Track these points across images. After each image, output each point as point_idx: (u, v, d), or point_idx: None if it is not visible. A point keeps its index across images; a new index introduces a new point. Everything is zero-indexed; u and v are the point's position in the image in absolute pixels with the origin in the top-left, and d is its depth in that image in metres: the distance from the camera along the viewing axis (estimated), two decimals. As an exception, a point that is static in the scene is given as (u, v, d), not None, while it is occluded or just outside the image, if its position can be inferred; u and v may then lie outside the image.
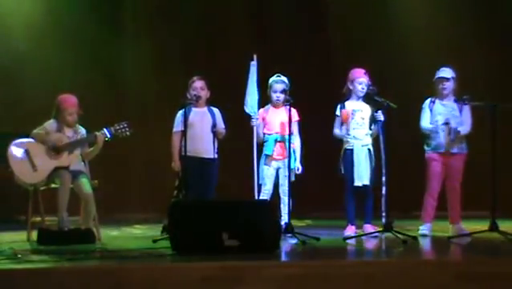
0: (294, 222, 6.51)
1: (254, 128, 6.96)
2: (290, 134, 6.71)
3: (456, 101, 6.85)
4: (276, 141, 7.00)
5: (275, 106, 7.08)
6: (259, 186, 6.97)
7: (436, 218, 7.00)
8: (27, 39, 9.40)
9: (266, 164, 7.00)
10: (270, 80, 7.08)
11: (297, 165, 7.00)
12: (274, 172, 7.02)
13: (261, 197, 6.86)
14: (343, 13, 9.95)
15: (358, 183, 6.83)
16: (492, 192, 6.28)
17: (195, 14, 9.91)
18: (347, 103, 7.01)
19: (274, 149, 6.99)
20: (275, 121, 7.04)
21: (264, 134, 7.06)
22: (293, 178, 6.84)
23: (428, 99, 6.99)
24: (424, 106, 6.99)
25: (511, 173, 8.46)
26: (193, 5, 9.91)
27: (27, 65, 9.34)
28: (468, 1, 10.00)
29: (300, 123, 7.06)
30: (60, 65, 9.37)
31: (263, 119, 7.07)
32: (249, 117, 6.99)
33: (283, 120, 6.98)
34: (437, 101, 6.95)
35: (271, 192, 7.00)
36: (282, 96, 7.00)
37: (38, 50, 9.42)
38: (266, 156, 7.00)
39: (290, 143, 6.77)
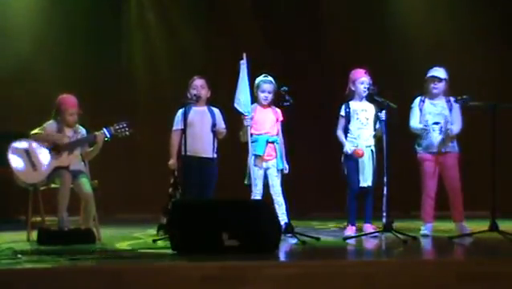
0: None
1: (248, 128, 6.92)
2: (282, 134, 6.77)
3: (456, 101, 6.83)
4: (267, 142, 6.97)
5: (263, 106, 7.06)
6: (249, 186, 6.92)
7: (436, 218, 7.00)
8: (30, 40, 9.42)
9: (256, 164, 6.91)
10: (258, 80, 7.03)
11: (285, 165, 6.99)
12: (263, 172, 6.99)
13: (253, 198, 6.83)
14: (342, 12, 9.96)
15: (363, 184, 6.84)
16: (492, 192, 6.28)
17: (196, 13, 9.93)
18: (351, 103, 7.00)
19: (266, 150, 6.97)
20: (264, 121, 6.99)
21: (252, 134, 6.96)
22: (279, 178, 6.88)
23: (418, 98, 6.94)
24: (413, 105, 6.94)
25: (511, 173, 8.46)
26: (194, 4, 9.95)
27: (28, 66, 9.34)
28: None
29: (283, 123, 7.03)
30: (61, 65, 9.38)
31: (251, 118, 6.99)
32: (240, 115, 6.96)
33: (273, 121, 6.99)
34: (427, 100, 6.91)
35: (262, 192, 6.99)
36: (270, 96, 6.99)
37: (39, 51, 9.43)
38: (256, 156, 6.92)
39: (285, 143, 6.79)
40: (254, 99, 7.03)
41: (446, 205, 6.95)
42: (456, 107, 6.86)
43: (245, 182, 6.92)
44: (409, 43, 9.77)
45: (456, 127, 6.84)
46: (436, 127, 6.81)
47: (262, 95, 7.01)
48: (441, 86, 6.88)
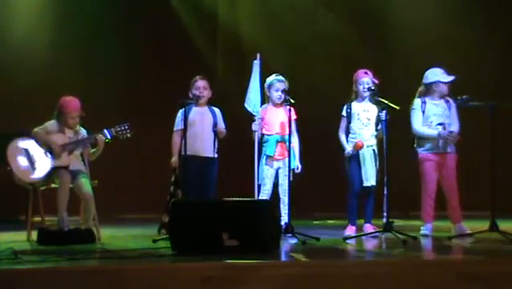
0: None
1: (256, 133, 6.91)
2: (290, 134, 6.70)
3: (456, 101, 6.83)
4: (277, 142, 6.99)
5: (276, 105, 7.07)
6: (258, 187, 6.95)
7: (436, 218, 6.99)
8: (25, 40, 9.43)
9: (267, 164, 6.97)
10: (270, 79, 7.04)
11: (297, 164, 6.99)
12: (274, 172, 7.01)
13: (260, 198, 6.85)
14: (344, 13, 9.97)
15: (367, 183, 6.84)
16: (492, 192, 6.28)
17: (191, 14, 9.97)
18: (353, 104, 7.01)
19: (276, 150, 6.98)
20: (275, 121, 7.02)
21: (263, 135, 7.02)
22: (291, 178, 6.83)
23: (419, 100, 6.88)
24: (415, 107, 6.88)
25: (511, 173, 8.45)
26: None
27: (28, 66, 9.34)
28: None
29: (297, 121, 7.01)
30: (61, 66, 9.39)
31: (262, 119, 7.04)
32: (249, 114, 6.94)
33: (283, 120, 6.98)
34: (429, 101, 6.86)
35: (271, 192, 6.99)
36: (283, 95, 6.99)
37: (39, 52, 9.43)
38: (268, 156, 6.98)
39: (289, 142, 6.78)
40: (266, 99, 7.03)
41: (446, 205, 6.94)
42: (453, 107, 6.86)
43: (259, 182, 6.96)
44: (412, 45, 9.76)
45: (454, 127, 6.84)
46: (441, 128, 6.78)
47: (275, 94, 7.01)
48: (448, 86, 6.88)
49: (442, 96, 6.87)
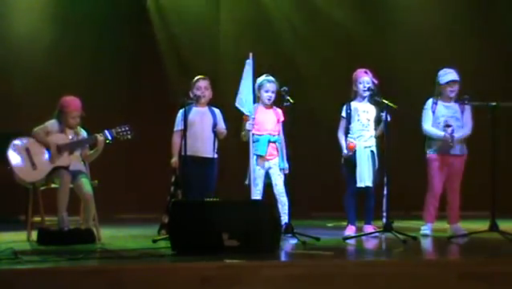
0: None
1: (250, 133, 6.89)
2: (283, 134, 6.78)
3: (456, 101, 6.83)
4: (269, 142, 6.97)
5: (265, 106, 7.05)
6: (249, 186, 6.91)
7: (437, 218, 6.99)
8: (26, 40, 9.43)
9: (258, 164, 6.93)
10: (261, 80, 7.00)
11: (285, 165, 6.99)
12: (265, 172, 6.99)
13: (253, 198, 6.83)
14: (345, 13, 9.97)
15: (360, 184, 6.83)
16: (492, 192, 6.28)
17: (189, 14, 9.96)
18: (353, 104, 7.00)
19: (267, 150, 6.97)
20: (266, 122, 6.99)
21: (253, 134, 6.95)
22: (282, 178, 6.90)
23: (430, 100, 6.91)
24: (426, 107, 6.90)
25: (511, 173, 8.45)
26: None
27: (29, 65, 9.34)
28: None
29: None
30: (62, 65, 9.38)
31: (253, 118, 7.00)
32: (240, 113, 6.93)
33: (274, 121, 6.99)
34: (440, 102, 6.88)
35: (262, 192, 6.98)
36: (273, 96, 6.98)
37: (40, 52, 9.43)
38: (259, 156, 6.94)
39: (287, 143, 6.80)
40: (256, 99, 7.02)
41: (445, 206, 6.95)
42: (467, 108, 6.85)
43: (246, 182, 6.91)
44: (412, 44, 9.75)
45: (467, 129, 6.84)
46: (449, 129, 6.77)
47: (265, 95, 7.00)
48: (457, 88, 6.86)
49: (449, 98, 6.86)
